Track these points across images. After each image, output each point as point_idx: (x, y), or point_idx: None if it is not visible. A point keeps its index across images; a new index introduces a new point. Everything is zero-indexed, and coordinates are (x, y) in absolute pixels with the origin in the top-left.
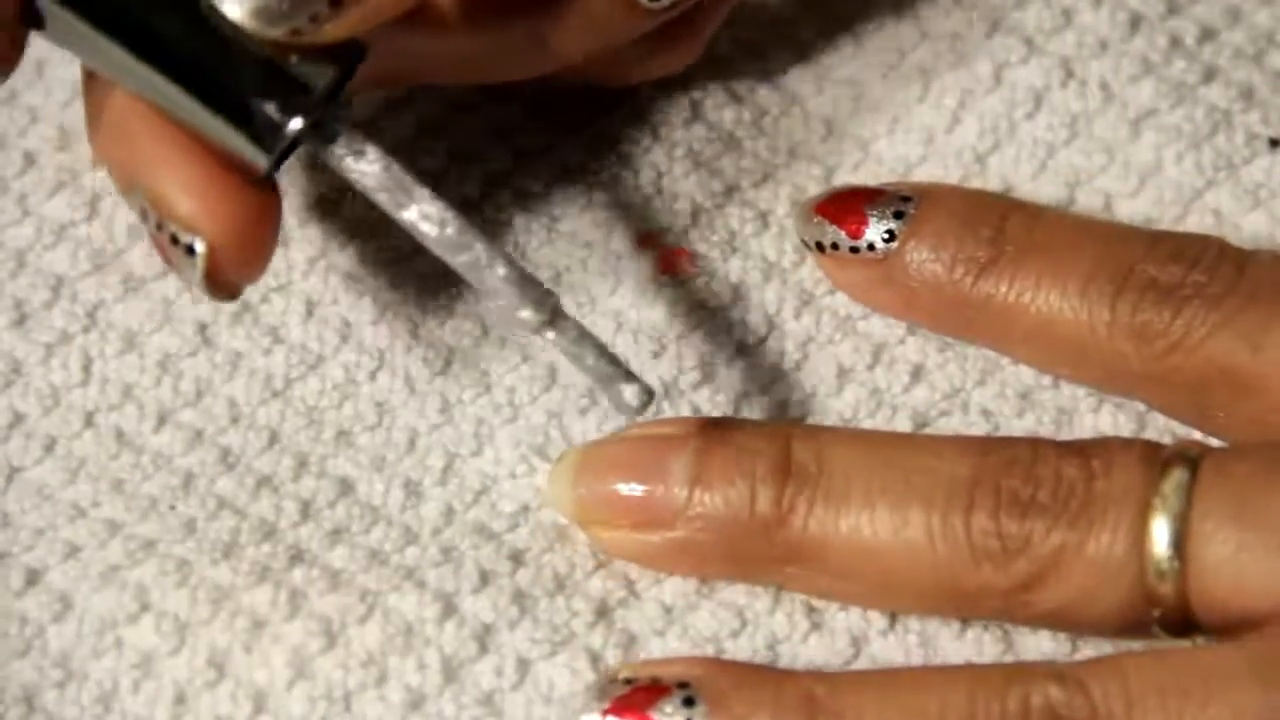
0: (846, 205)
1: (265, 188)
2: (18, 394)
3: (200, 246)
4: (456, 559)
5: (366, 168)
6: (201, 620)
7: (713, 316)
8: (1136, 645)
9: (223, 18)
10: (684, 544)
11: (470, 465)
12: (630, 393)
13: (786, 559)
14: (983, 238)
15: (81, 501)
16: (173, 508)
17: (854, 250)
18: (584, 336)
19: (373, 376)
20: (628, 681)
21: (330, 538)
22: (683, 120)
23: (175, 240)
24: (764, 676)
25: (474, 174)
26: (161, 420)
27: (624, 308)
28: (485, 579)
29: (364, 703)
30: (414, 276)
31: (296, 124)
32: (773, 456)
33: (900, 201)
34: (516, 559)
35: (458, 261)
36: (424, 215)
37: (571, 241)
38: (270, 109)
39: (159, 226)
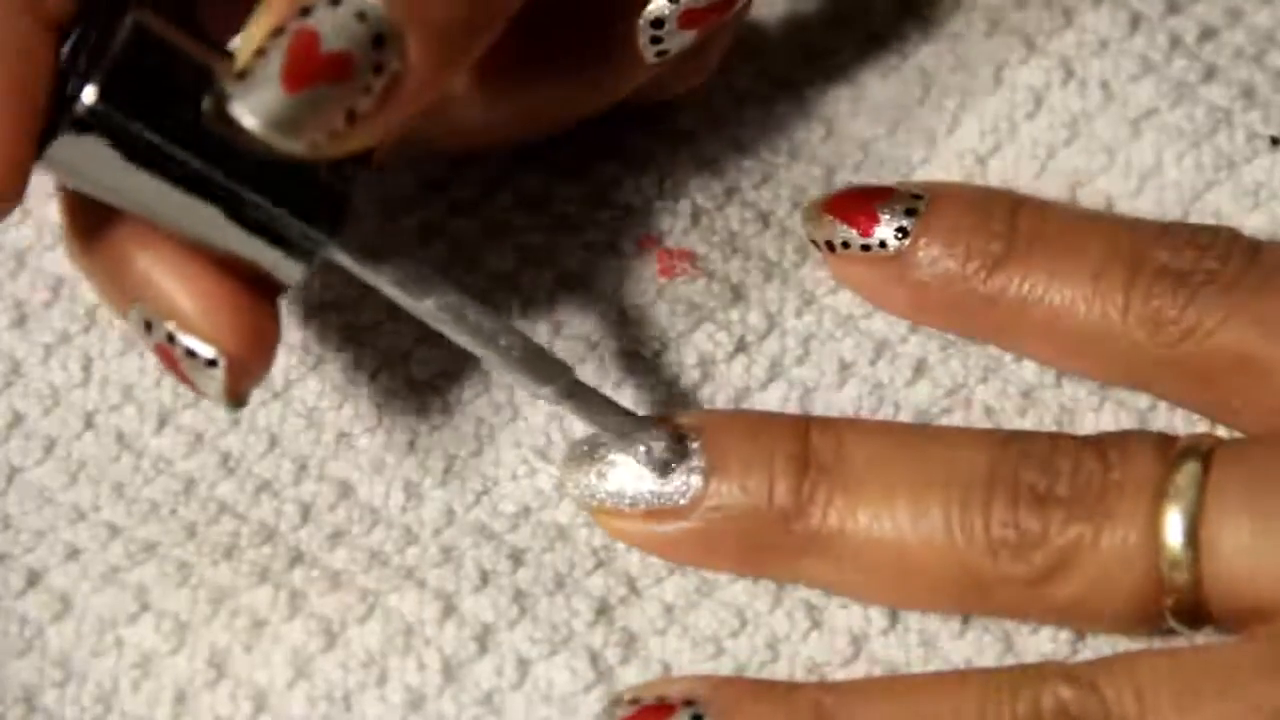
0: (857, 204)
1: (270, 295)
2: (18, 394)
3: (223, 360)
4: (456, 559)
5: (379, 266)
6: (202, 620)
7: (713, 316)
8: (1140, 645)
9: (238, 136)
10: (699, 534)
11: (470, 466)
12: (659, 446)
13: (804, 550)
14: (995, 232)
15: (82, 504)
16: (174, 512)
17: (865, 248)
18: (602, 402)
19: (372, 377)
20: (633, 703)
21: (330, 539)
22: (683, 121)
23: (191, 354)
24: (771, 690)
25: (474, 175)
26: (162, 422)
27: (625, 308)
28: (485, 579)
29: (364, 703)
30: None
31: (333, 243)
32: (790, 446)
33: (911, 199)
34: (516, 559)
35: (474, 346)
36: (439, 305)
37: (572, 242)
38: (304, 224)
39: (170, 339)
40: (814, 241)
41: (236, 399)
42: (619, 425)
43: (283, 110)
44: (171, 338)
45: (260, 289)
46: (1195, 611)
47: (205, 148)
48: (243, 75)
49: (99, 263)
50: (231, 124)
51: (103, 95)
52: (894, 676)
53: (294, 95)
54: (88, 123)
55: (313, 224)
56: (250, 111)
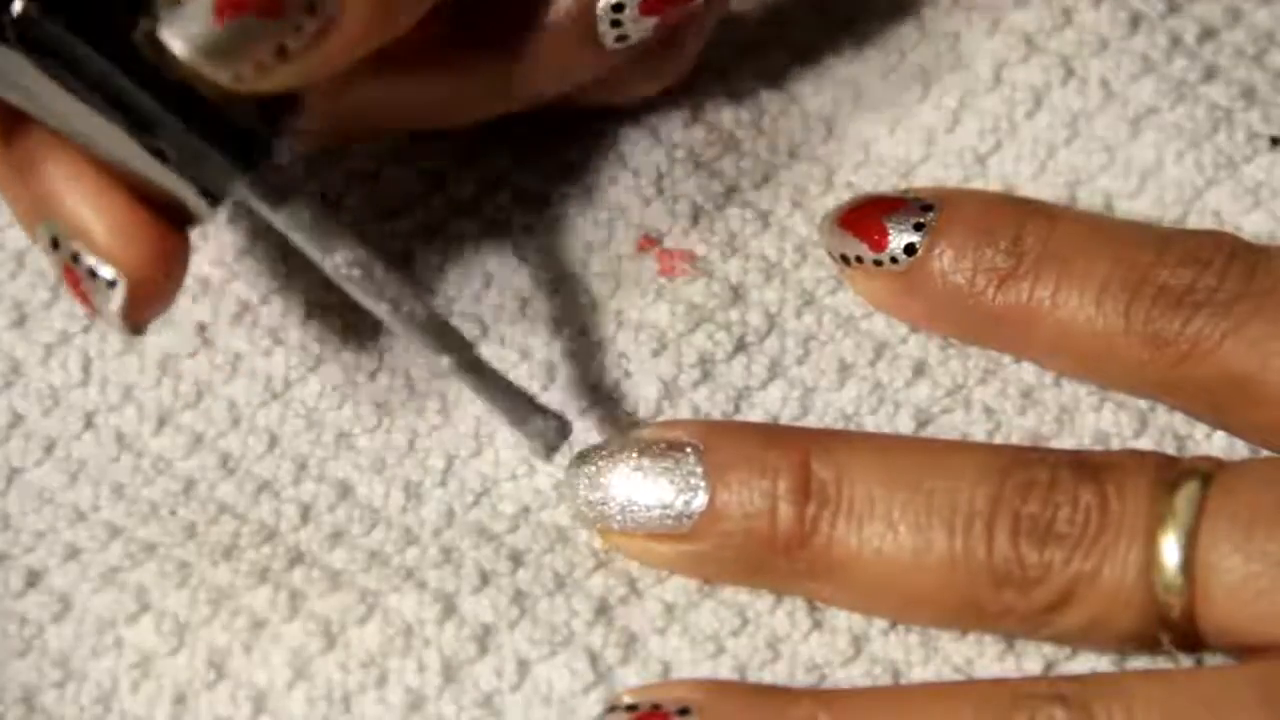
0: (868, 218)
1: (179, 226)
2: (17, 394)
3: (122, 280)
4: (456, 560)
5: (290, 212)
6: (201, 620)
7: (713, 316)
8: (1138, 656)
9: (168, 62)
10: (701, 556)
11: (470, 466)
12: (550, 429)
13: (806, 576)
14: (1001, 247)
15: (82, 504)
16: (173, 513)
17: (877, 263)
18: (500, 381)
19: (372, 377)
20: (630, 708)
21: (330, 540)
22: (683, 121)
23: (93, 274)
24: (768, 698)
25: (473, 174)
26: (161, 422)
27: (624, 308)
28: (485, 579)
29: (364, 704)
30: (412, 277)
31: (243, 180)
32: (792, 473)
33: (920, 211)
34: (516, 559)
35: (378, 308)
36: (346, 261)
37: (572, 242)
38: (218, 161)
39: (74, 258)
40: (830, 254)
41: (134, 324)
42: (513, 406)
43: (212, 38)
44: (76, 256)
45: (171, 219)
46: (1189, 639)
47: (131, 70)
48: (176, 1)
49: (11, 169)
50: (162, 49)
51: (35, 3)
52: (890, 688)
53: (224, 24)
54: (17, 31)
55: (228, 159)
56: (180, 36)
